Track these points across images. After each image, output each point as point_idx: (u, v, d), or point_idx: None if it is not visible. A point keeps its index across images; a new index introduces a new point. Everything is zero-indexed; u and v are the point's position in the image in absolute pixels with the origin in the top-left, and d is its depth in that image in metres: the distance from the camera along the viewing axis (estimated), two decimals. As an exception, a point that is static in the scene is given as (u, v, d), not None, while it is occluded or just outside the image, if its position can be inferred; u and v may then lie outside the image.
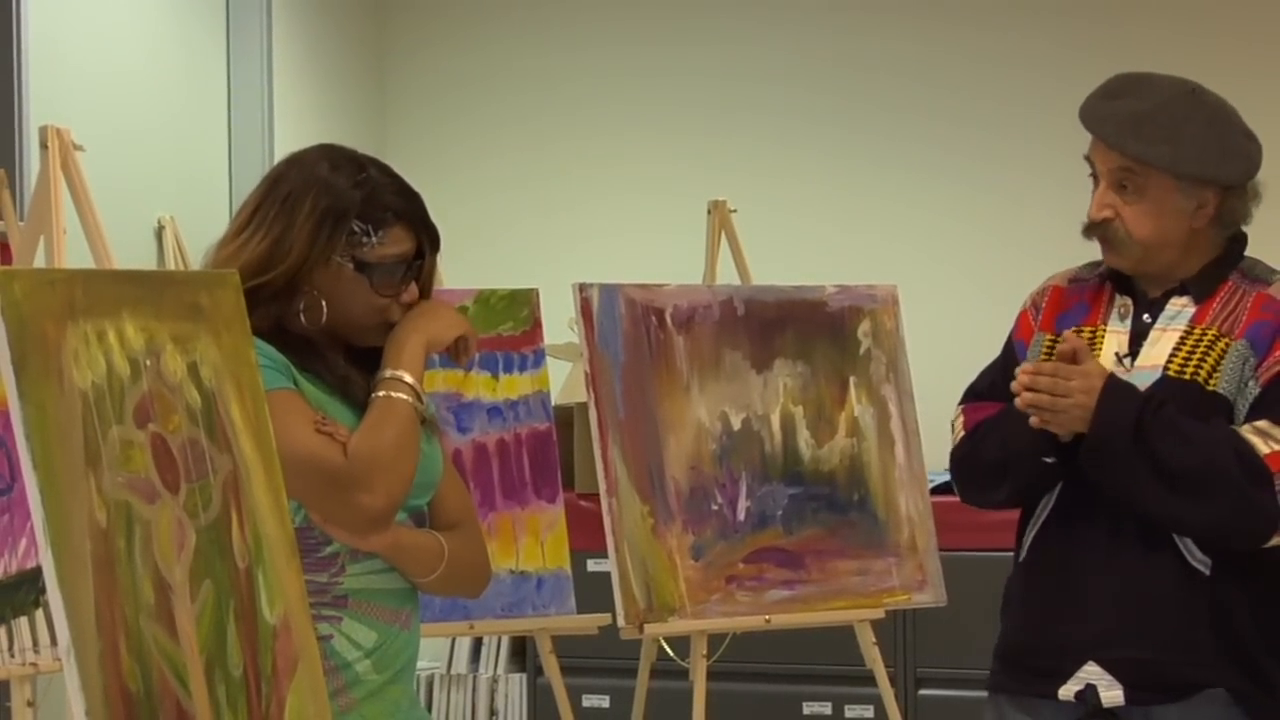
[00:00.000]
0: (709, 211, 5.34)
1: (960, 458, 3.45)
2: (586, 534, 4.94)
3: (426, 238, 2.90)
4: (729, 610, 4.48)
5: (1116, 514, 3.22)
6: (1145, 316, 3.30)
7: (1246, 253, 3.38)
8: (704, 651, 4.47)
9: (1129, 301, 3.33)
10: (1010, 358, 3.46)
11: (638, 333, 4.51)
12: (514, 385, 4.72)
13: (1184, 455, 3.14)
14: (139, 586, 2.07)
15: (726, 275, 5.33)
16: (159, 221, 6.18)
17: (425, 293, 2.92)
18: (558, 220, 7.28)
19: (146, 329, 2.17)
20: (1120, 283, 3.35)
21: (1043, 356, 3.33)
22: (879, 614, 4.66)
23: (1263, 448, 3.14)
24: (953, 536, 4.89)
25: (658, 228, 6.92)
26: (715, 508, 4.51)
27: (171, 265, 6.06)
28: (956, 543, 5.13)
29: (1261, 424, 3.16)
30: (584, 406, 4.62)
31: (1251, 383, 3.19)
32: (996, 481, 3.39)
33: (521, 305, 4.78)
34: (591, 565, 5.48)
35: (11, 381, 1.98)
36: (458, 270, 5.91)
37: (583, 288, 4.49)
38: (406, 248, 2.86)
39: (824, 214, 7.07)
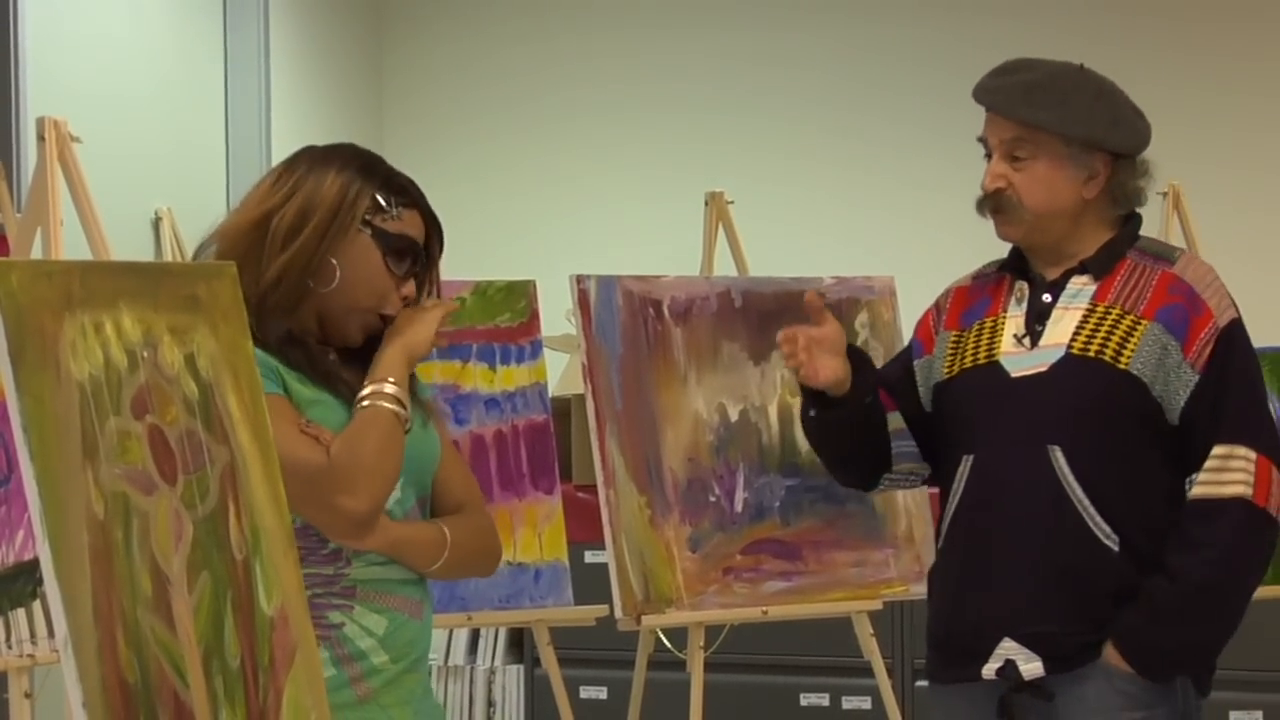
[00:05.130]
0: (706, 203, 5.34)
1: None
2: (584, 525, 4.95)
3: (436, 235, 2.95)
4: (726, 602, 4.48)
5: (1024, 495, 3.28)
6: (1045, 296, 3.35)
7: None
8: (701, 643, 4.47)
9: (1024, 286, 3.38)
10: (907, 354, 3.56)
11: (635, 324, 4.51)
12: (511, 377, 4.72)
13: None
14: (136, 578, 2.06)
15: (724, 266, 5.34)
16: (156, 213, 6.18)
17: (434, 294, 2.98)
18: (555, 212, 7.28)
19: (144, 320, 2.17)
20: (1017, 270, 3.41)
21: (948, 353, 3.42)
22: (876, 605, 4.66)
23: None
24: (950, 528, 4.89)
25: (655, 219, 6.92)
26: (713, 499, 4.51)
27: (168, 257, 6.06)
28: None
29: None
30: (581, 398, 4.62)
31: (1186, 370, 3.23)
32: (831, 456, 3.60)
33: (519, 297, 4.78)
34: (589, 557, 5.48)
35: (9, 373, 1.98)
36: (455, 262, 5.89)
37: (580, 279, 4.49)
38: (419, 234, 2.91)
39: (821, 205, 7.07)
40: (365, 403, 2.81)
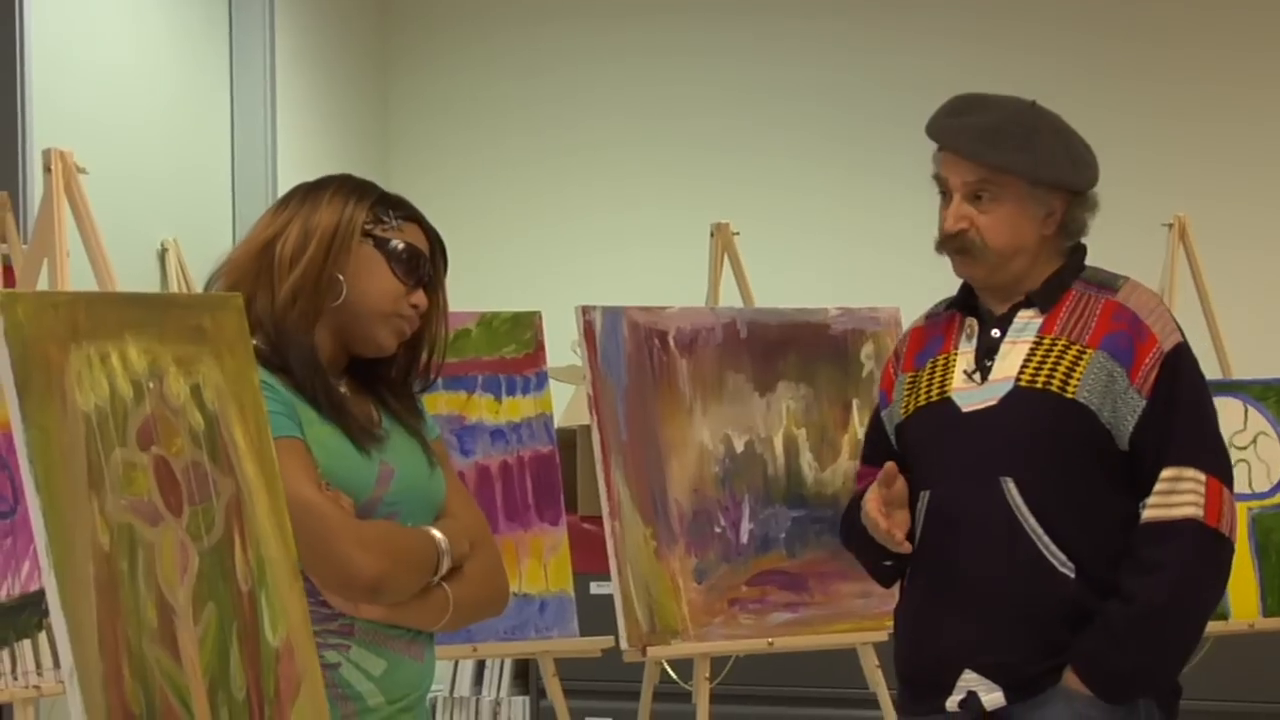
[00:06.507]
0: (712, 234, 5.33)
1: (842, 524, 3.65)
2: (589, 556, 4.94)
3: (440, 251, 2.97)
4: (732, 633, 4.47)
5: (979, 528, 3.30)
6: (994, 332, 3.39)
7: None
8: (707, 674, 4.47)
9: (974, 322, 3.43)
10: (878, 409, 3.60)
11: (641, 355, 4.51)
12: (517, 408, 4.72)
13: None
14: (142, 609, 2.06)
15: (729, 298, 5.33)
16: (162, 244, 6.18)
17: (442, 308, 2.99)
18: (561, 243, 7.28)
19: (149, 351, 2.17)
20: (965, 307, 3.46)
21: (904, 393, 3.45)
22: (882, 636, 4.65)
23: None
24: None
25: (661, 250, 6.92)
26: (718, 530, 4.51)
27: (174, 288, 6.06)
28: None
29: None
30: (587, 429, 4.62)
31: (1133, 395, 3.26)
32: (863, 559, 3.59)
33: (524, 328, 4.78)
34: (594, 588, 5.47)
35: (15, 404, 1.98)
36: (461, 292, 5.91)
37: (586, 310, 4.49)
38: (422, 244, 2.93)
39: (827, 236, 7.07)
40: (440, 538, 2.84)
